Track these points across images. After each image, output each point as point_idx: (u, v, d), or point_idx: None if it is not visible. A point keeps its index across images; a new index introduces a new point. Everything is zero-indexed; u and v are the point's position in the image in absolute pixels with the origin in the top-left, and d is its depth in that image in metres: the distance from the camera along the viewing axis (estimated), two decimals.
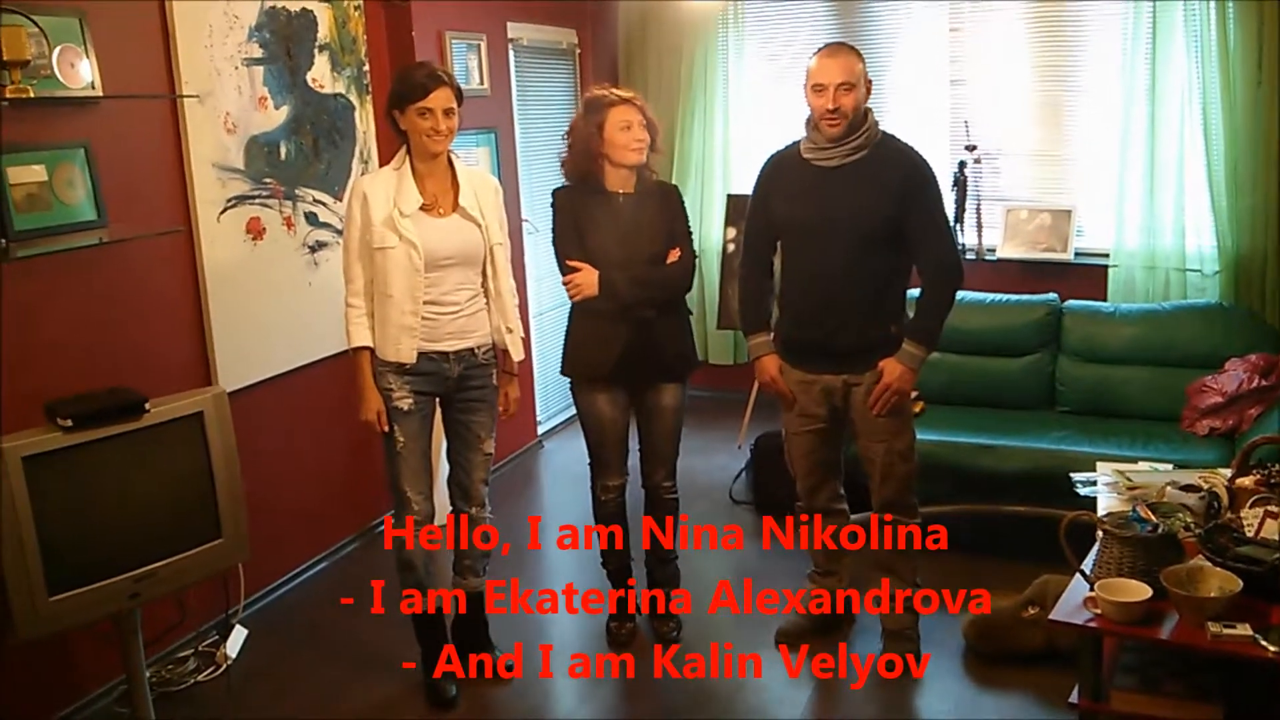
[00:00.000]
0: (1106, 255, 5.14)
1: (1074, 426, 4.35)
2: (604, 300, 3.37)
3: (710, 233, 5.97)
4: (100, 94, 3.23)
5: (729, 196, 5.67)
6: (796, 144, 3.33)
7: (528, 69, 5.56)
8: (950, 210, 5.03)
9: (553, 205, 3.49)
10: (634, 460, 3.64)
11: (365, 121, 4.43)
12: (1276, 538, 2.68)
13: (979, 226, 5.40)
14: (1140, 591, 2.56)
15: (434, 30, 4.73)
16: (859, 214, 3.19)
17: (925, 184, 3.23)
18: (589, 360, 3.49)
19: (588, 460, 3.63)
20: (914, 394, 3.51)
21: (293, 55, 4.05)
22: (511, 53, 5.37)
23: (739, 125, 5.95)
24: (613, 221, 3.41)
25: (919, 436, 3.46)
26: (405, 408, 3.21)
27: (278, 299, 4.00)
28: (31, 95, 2.93)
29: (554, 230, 3.47)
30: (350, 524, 4.50)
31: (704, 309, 6.01)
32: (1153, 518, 2.77)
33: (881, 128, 3.26)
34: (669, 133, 5.74)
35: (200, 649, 3.65)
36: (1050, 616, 2.71)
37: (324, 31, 4.20)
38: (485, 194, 3.30)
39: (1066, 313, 4.76)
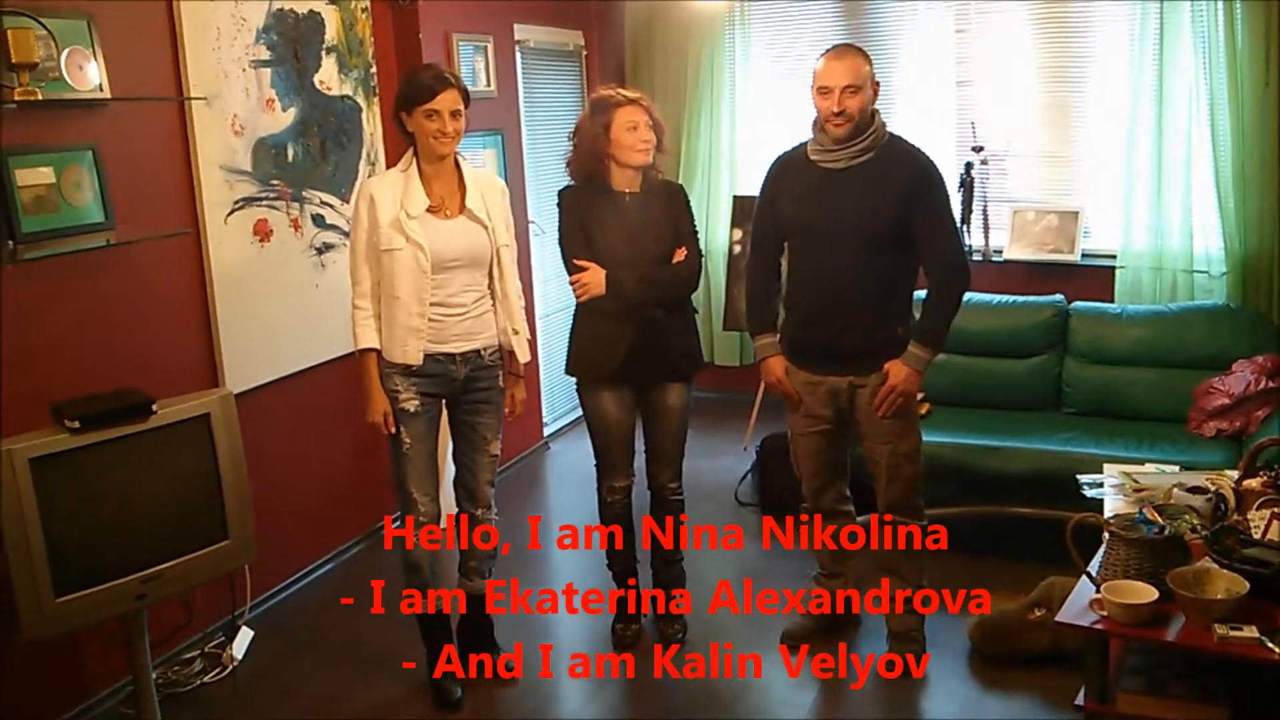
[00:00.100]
0: (1113, 256, 5.14)
1: (1080, 428, 4.35)
2: (611, 300, 3.37)
3: (716, 234, 5.97)
4: (108, 96, 3.24)
5: (735, 198, 5.67)
6: (803, 145, 3.33)
7: (534, 70, 5.57)
8: (957, 211, 5.02)
9: (559, 205, 3.49)
10: (640, 462, 3.64)
11: (372, 123, 4.44)
12: None
13: (985, 228, 5.39)
14: (1146, 593, 2.56)
15: (441, 32, 4.74)
16: (866, 215, 3.19)
17: (932, 185, 3.23)
18: (595, 360, 3.49)
19: (594, 462, 3.64)
20: (920, 395, 3.51)
21: (300, 57, 4.06)
22: (518, 54, 5.38)
23: (745, 126, 5.96)
24: (619, 221, 3.41)
25: (925, 438, 3.45)
26: (412, 409, 3.21)
27: (285, 301, 4.01)
28: (40, 97, 2.94)
29: (560, 230, 3.48)
30: (356, 526, 4.51)
31: (710, 310, 6.01)
32: (1159, 519, 2.77)
33: (889, 129, 3.26)
34: (675, 134, 5.74)
35: (206, 650, 3.66)
36: (1056, 618, 2.71)
37: (331, 33, 4.21)
38: (492, 196, 3.31)
39: (1073, 314, 4.75)
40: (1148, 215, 5.03)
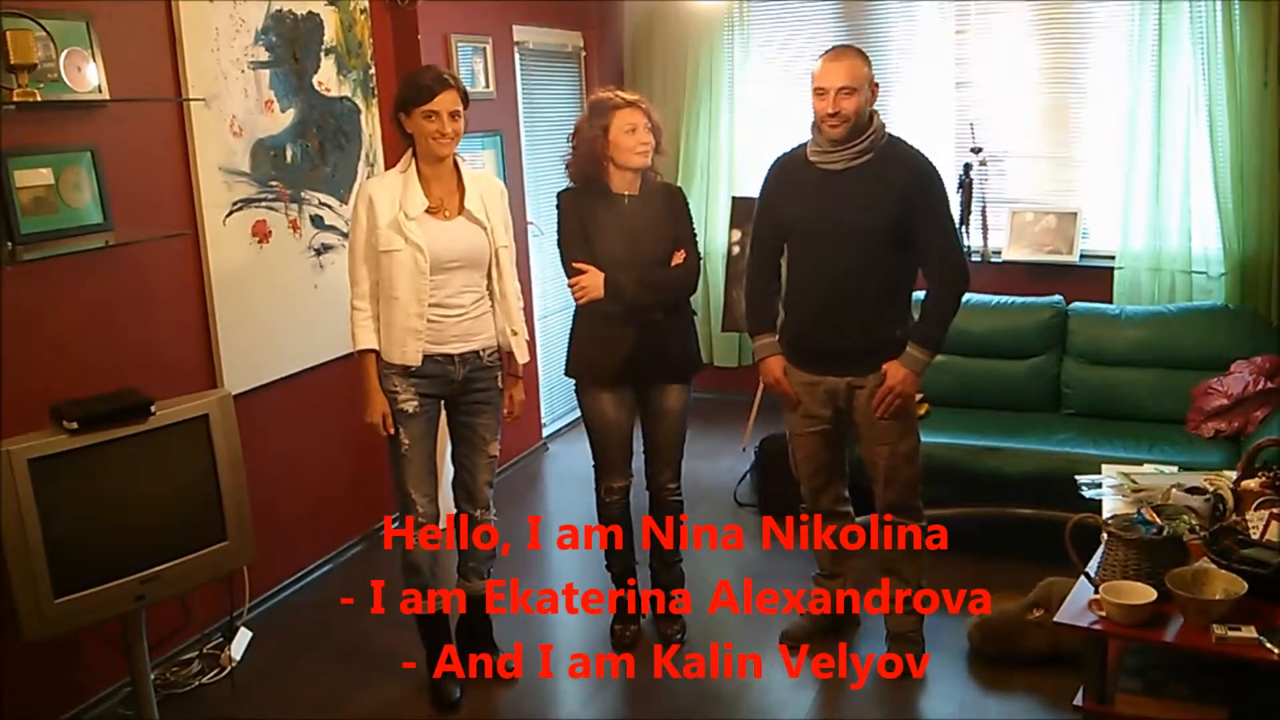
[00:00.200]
0: (1112, 257, 5.14)
1: (1079, 429, 4.35)
2: (609, 302, 3.38)
3: (715, 235, 5.98)
4: (107, 97, 3.24)
5: (734, 199, 5.67)
6: (803, 146, 3.33)
7: (533, 72, 5.57)
8: (956, 212, 5.02)
9: (558, 207, 3.49)
10: (638, 463, 3.64)
11: (371, 124, 4.44)
12: None
13: (984, 229, 5.39)
14: (1145, 594, 2.56)
15: (440, 33, 4.74)
16: (865, 216, 3.19)
17: (931, 187, 3.23)
18: (594, 361, 3.49)
19: (592, 462, 3.64)
20: (919, 396, 3.51)
21: (299, 58, 4.06)
22: (517, 55, 5.38)
23: (744, 128, 5.96)
24: (618, 223, 3.41)
25: (924, 439, 3.45)
26: (410, 410, 3.21)
27: (283, 302, 4.01)
28: (38, 98, 2.94)
29: (559, 232, 3.48)
30: (355, 526, 4.51)
31: (709, 311, 6.01)
32: (1158, 520, 2.77)
33: (888, 130, 3.26)
34: (674, 135, 5.74)
35: (205, 651, 3.65)
36: (1055, 619, 2.71)
37: (330, 35, 4.22)
38: (491, 197, 3.31)
39: (1072, 315, 4.75)
40: (1146, 216, 5.03)
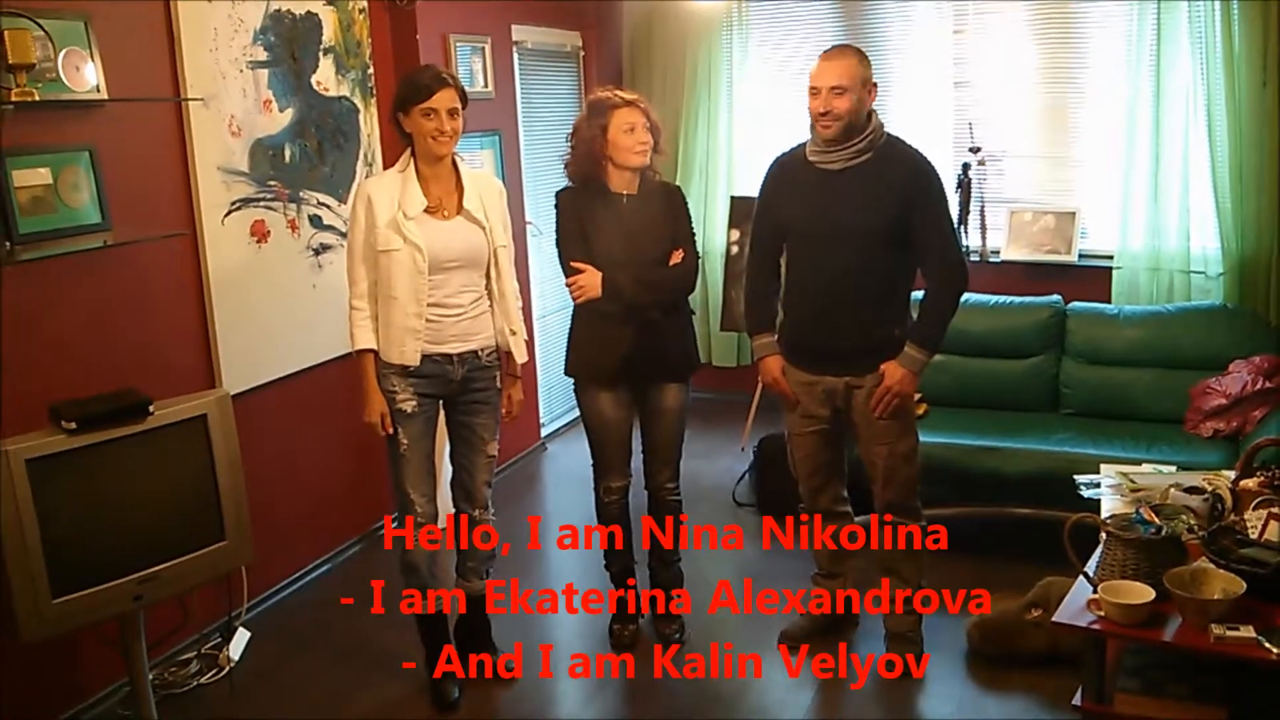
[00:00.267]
0: (1111, 257, 5.14)
1: (1078, 428, 4.35)
2: (607, 302, 3.38)
3: (714, 235, 5.98)
4: (105, 97, 3.23)
5: (733, 199, 5.67)
6: (802, 146, 3.33)
7: (532, 71, 5.57)
8: (954, 212, 5.02)
9: (556, 207, 3.49)
10: (637, 462, 3.64)
11: (369, 124, 4.44)
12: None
13: (983, 228, 5.39)
14: (1144, 594, 2.56)
15: (438, 33, 4.74)
16: (863, 216, 3.19)
17: (930, 187, 3.23)
18: (592, 360, 3.49)
19: (591, 462, 3.64)
20: (917, 396, 3.51)
21: (297, 58, 4.06)
22: (516, 55, 5.38)
23: (743, 127, 5.96)
24: (616, 223, 3.41)
25: (922, 439, 3.45)
26: (409, 410, 3.21)
27: (282, 302, 4.01)
28: (37, 98, 2.94)
29: (557, 232, 3.48)
30: (353, 526, 4.51)
31: (707, 311, 6.01)
32: (1156, 520, 2.78)
33: (887, 130, 3.26)
34: (673, 135, 5.75)
35: (203, 651, 3.65)
36: (1054, 618, 2.71)
37: (329, 34, 4.21)
38: (489, 196, 3.31)
39: (1070, 315, 4.76)
40: (1145, 216, 5.03)
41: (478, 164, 4.86)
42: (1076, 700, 2.71)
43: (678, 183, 5.61)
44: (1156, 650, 2.71)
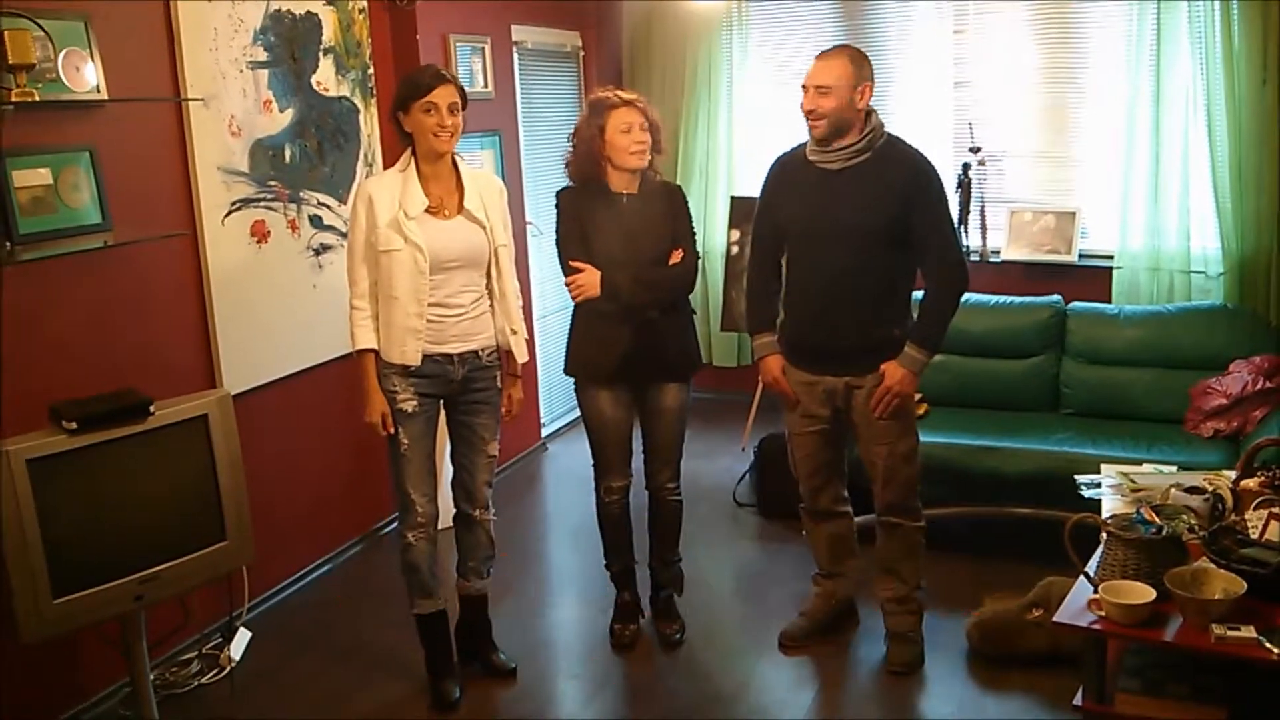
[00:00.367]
0: (1111, 257, 5.14)
1: (1078, 428, 4.35)
2: (606, 301, 3.38)
3: (714, 235, 5.98)
4: (105, 97, 3.23)
5: (732, 198, 5.67)
6: (803, 146, 3.33)
7: (532, 71, 5.57)
8: (954, 212, 5.02)
9: (557, 206, 3.49)
10: (638, 463, 3.64)
11: (370, 124, 4.44)
12: None
13: (983, 228, 5.39)
14: (1144, 594, 2.56)
15: (438, 33, 4.74)
16: (863, 215, 3.19)
17: (929, 186, 3.23)
18: (592, 360, 3.49)
19: (591, 462, 3.64)
20: (917, 396, 3.51)
21: (297, 58, 4.06)
22: (516, 55, 5.38)
23: (743, 127, 5.96)
24: (616, 222, 3.41)
25: (923, 439, 3.45)
26: (409, 410, 3.21)
27: (282, 302, 4.01)
28: (37, 99, 2.93)
29: (557, 231, 3.48)
30: (354, 526, 4.51)
31: (707, 311, 6.01)
32: (1157, 520, 2.77)
33: (887, 130, 3.26)
34: (672, 135, 5.74)
35: (204, 651, 3.65)
36: (1054, 618, 2.71)
37: (329, 35, 4.21)
38: (490, 195, 3.31)
39: (1071, 315, 4.76)
40: (1145, 216, 5.03)
41: (477, 164, 4.86)
42: (1077, 700, 2.71)
43: (677, 183, 5.60)
44: (1157, 650, 2.71)
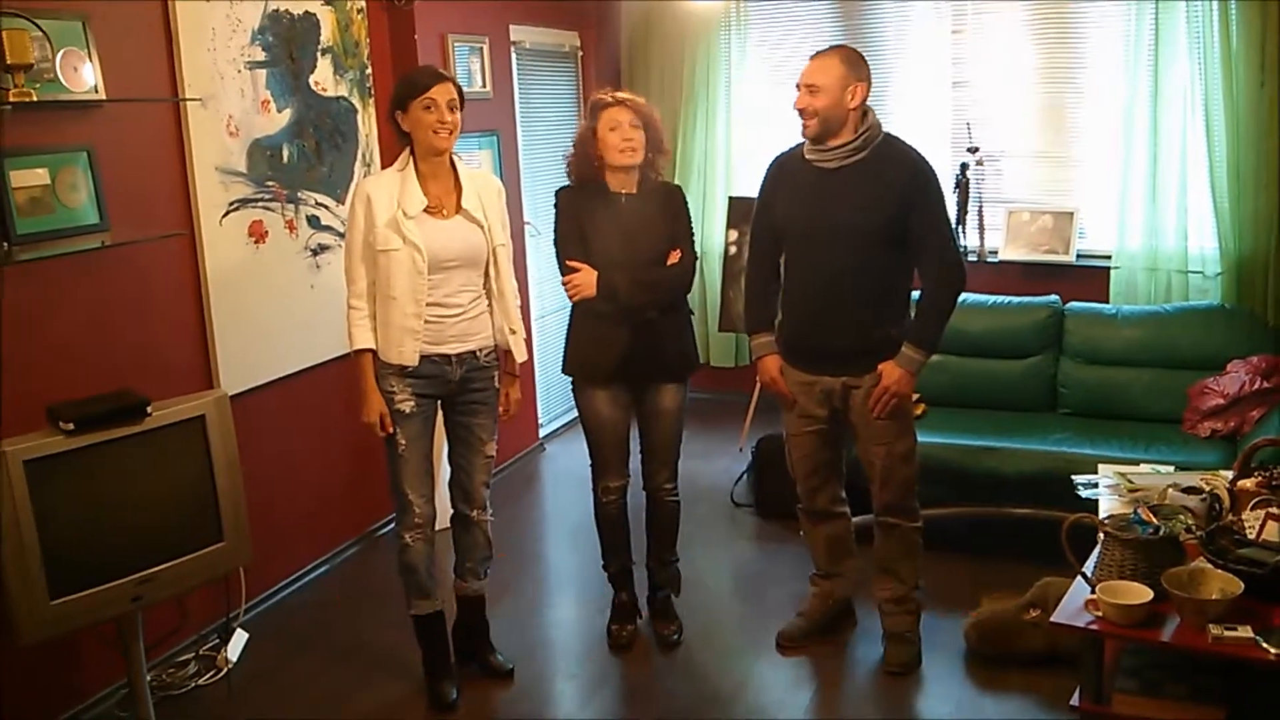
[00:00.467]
0: (1108, 257, 5.14)
1: (1076, 428, 4.35)
2: (602, 301, 3.38)
3: (712, 235, 5.98)
4: (103, 97, 3.23)
5: (731, 199, 5.68)
6: (801, 145, 3.33)
7: (530, 72, 5.57)
8: (952, 212, 5.03)
9: (555, 205, 3.50)
10: (635, 463, 3.64)
11: (368, 124, 4.44)
12: (1278, 540, 2.68)
13: (981, 228, 5.39)
14: (1142, 594, 2.56)
15: (437, 33, 4.74)
16: (859, 215, 3.19)
17: (927, 185, 3.23)
18: (590, 360, 3.49)
19: (589, 462, 3.64)
20: (915, 396, 3.51)
21: (295, 58, 4.05)
22: (514, 55, 5.38)
23: (741, 127, 5.96)
24: (614, 222, 3.41)
25: (920, 439, 3.45)
26: (407, 410, 3.21)
27: (280, 302, 4.00)
28: (35, 99, 2.93)
29: (556, 230, 3.48)
30: (352, 527, 4.51)
31: (705, 311, 6.01)
32: (1154, 520, 2.78)
33: (885, 129, 3.26)
34: (671, 135, 5.71)
35: (201, 653, 3.65)
36: (1052, 619, 2.71)
37: (327, 35, 4.21)
38: (488, 195, 3.31)
39: (1068, 315, 4.76)
40: (1143, 216, 5.03)
41: (475, 164, 4.86)
42: (1074, 700, 2.71)
43: (675, 183, 5.61)
44: (1154, 650, 2.71)
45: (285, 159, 4.01)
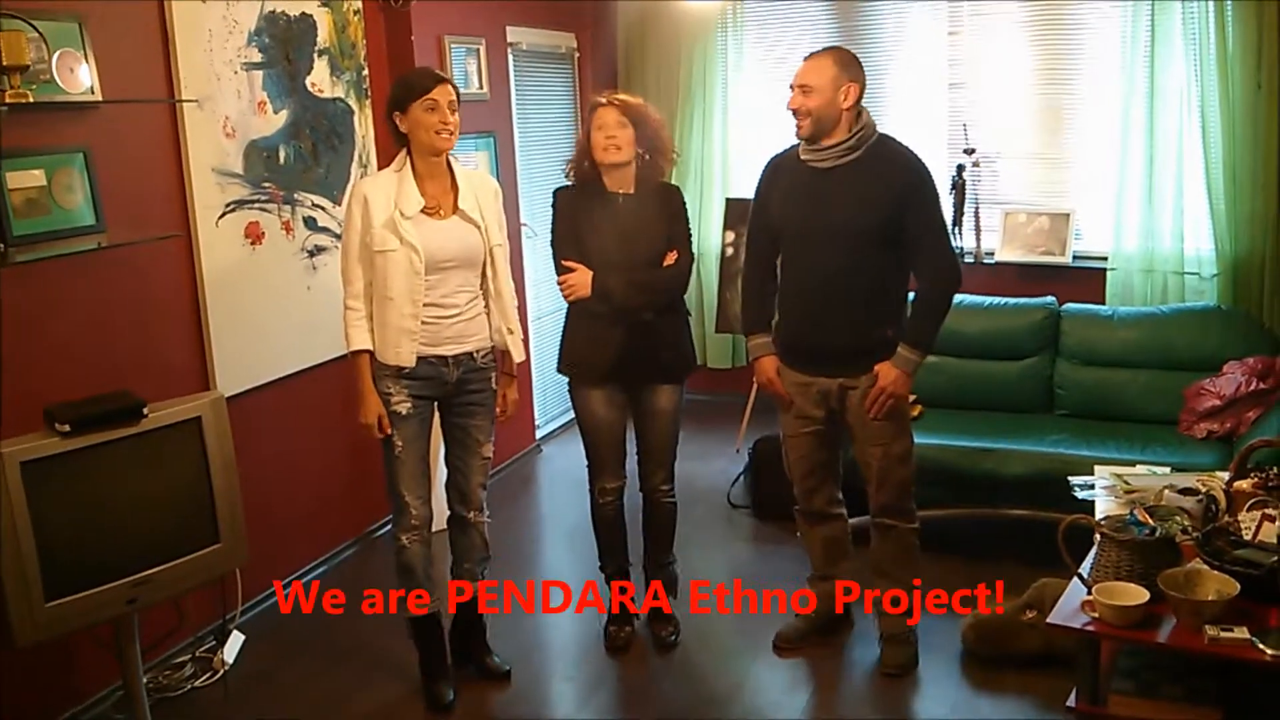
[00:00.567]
0: (1105, 258, 5.15)
1: (1072, 430, 4.36)
2: (597, 302, 3.39)
3: (709, 236, 5.97)
4: (99, 99, 3.23)
5: (728, 200, 5.68)
6: (797, 146, 3.34)
7: (527, 73, 5.57)
8: (948, 213, 5.03)
9: (553, 205, 3.50)
10: (632, 464, 3.64)
11: (364, 126, 4.44)
12: (1274, 541, 2.69)
13: (977, 229, 5.40)
14: (1138, 595, 2.57)
15: (433, 34, 4.74)
16: (854, 215, 3.19)
17: (922, 186, 3.24)
18: (586, 360, 3.50)
19: (585, 463, 3.64)
20: (912, 398, 3.51)
21: (292, 60, 4.05)
22: (511, 57, 5.38)
23: (738, 128, 5.96)
24: (611, 223, 3.42)
25: (917, 440, 3.45)
26: (404, 412, 3.21)
27: (276, 303, 4.00)
28: (31, 100, 2.92)
29: (552, 230, 3.49)
30: (348, 528, 4.50)
31: (702, 312, 6.01)
32: (1150, 521, 2.78)
33: (880, 130, 3.27)
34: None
35: (197, 654, 3.64)
36: (1048, 620, 2.72)
37: (323, 36, 4.21)
38: (485, 195, 3.31)
39: (1065, 316, 4.76)
40: (1139, 217, 5.04)
41: (472, 165, 4.86)
42: (1071, 701, 2.72)
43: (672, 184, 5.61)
44: (1151, 652, 2.72)
45: (282, 160, 4.01)
